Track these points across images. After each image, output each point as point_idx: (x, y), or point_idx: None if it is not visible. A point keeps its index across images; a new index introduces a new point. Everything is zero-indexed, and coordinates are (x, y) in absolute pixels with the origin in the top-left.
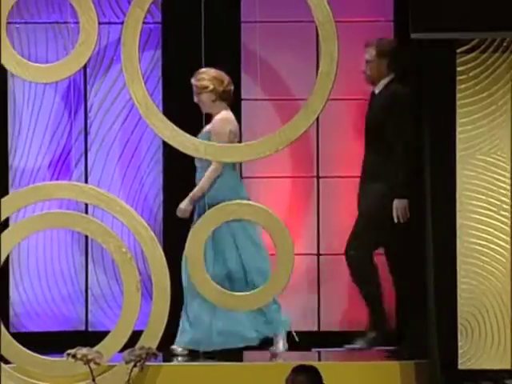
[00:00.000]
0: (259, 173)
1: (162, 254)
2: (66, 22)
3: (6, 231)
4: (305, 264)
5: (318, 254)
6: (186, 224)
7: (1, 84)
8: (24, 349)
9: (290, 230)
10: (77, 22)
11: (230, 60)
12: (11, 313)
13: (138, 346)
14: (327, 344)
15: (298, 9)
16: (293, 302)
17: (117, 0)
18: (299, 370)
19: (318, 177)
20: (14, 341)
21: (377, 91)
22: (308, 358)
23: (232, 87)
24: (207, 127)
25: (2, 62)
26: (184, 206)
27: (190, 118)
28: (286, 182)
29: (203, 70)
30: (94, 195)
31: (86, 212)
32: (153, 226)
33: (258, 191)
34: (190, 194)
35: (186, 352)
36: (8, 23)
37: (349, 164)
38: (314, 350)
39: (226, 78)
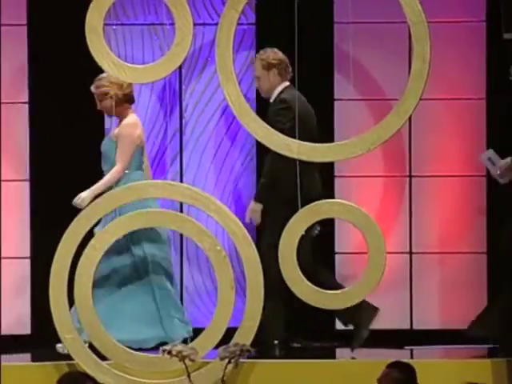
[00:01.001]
0: (351, 172)
1: (256, 252)
2: (161, 24)
3: (104, 229)
4: (397, 262)
5: (411, 253)
6: None
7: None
8: (120, 346)
9: (381, 228)
10: (172, 24)
11: (322, 60)
12: None
13: (232, 342)
14: (420, 342)
15: (391, 9)
16: (385, 300)
17: (211, 2)
18: (394, 366)
19: (410, 176)
20: (111, 338)
21: (271, 100)
22: (400, 356)
23: (132, 89)
24: (115, 131)
25: (99, 63)
26: (85, 195)
27: None
28: (378, 182)
29: (101, 76)
30: (189, 194)
31: (181, 211)
32: (247, 225)
33: (350, 190)
34: (93, 187)
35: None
36: (105, 25)
37: (441, 163)
38: (406, 347)
39: (125, 82)
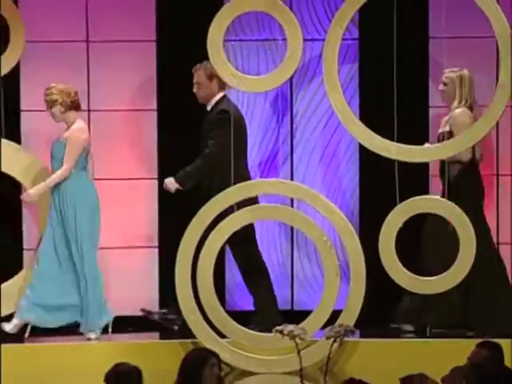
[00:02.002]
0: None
1: (359, 243)
2: (274, 39)
3: (223, 222)
4: None
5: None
6: (379, 216)
7: None
8: (238, 325)
9: None
10: (284, 39)
11: (418, 73)
12: (226, 294)
13: (337, 323)
14: None
15: (483, 24)
16: None
17: (319, 19)
18: (483, 345)
19: (497, 175)
20: (229, 318)
21: (209, 108)
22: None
23: (78, 97)
24: (64, 135)
25: (220, 74)
26: (32, 191)
27: (386, 123)
28: None
29: (51, 85)
30: (299, 191)
31: (292, 206)
32: (350, 219)
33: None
34: (40, 185)
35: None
36: (225, 40)
37: None
38: None
39: (73, 90)
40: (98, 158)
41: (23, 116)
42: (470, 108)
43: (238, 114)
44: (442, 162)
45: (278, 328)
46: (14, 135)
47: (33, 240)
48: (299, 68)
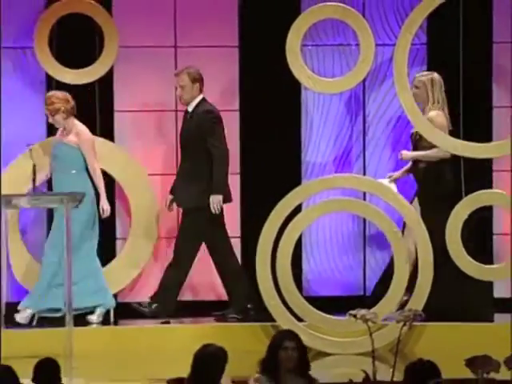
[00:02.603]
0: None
1: (426, 233)
2: (348, 44)
3: (300, 214)
4: None
5: None
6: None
7: (296, 95)
8: (314, 310)
9: None
10: (357, 44)
11: (482, 75)
12: (304, 280)
13: (406, 308)
14: None
15: None
16: None
17: (389, 25)
18: None
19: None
20: (306, 303)
21: (190, 109)
22: None
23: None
24: (73, 138)
25: (297, 77)
26: (106, 206)
27: (452, 121)
28: None
29: (49, 94)
30: (371, 185)
31: (364, 199)
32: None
33: (505, 182)
34: (104, 197)
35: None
36: (302, 45)
37: None
38: None
39: (69, 96)
40: None
41: (117, 116)
42: (442, 109)
43: (219, 113)
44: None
45: (351, 312)
46: (109, 135)
47: (124, 230)
48: (371, 71)
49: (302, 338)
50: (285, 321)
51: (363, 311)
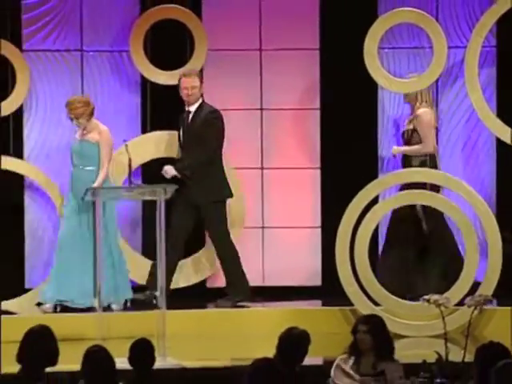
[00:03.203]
0: None
1: (496, 224)
2: (422, 47)
3: (376, 205)
4: None
5: None
6: None
7: (373, 94)
8: (390, 295)
9: None
10: (431, 47)
11: None
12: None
13: (477, 293)
14: None
15: None
16: None
17: (461, 29)
18: None
19: None
20: (383, 289)
21: (193, 109)
22: None
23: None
24: (91, 136)
25: (374, 77)
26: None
27: None
28: None
29: (71, 100)
30: (445, 179)
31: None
32: (488, 203)
33: None
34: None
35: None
36: (379, 48)
37: None
38: None
39: (90, 99)
40: (268, 150)
41: None
42: (431, 107)
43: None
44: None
45: (425, 297)
46: None
47: None
48: (443, 72)
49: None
50: (362, 305)
51: (436, 296)
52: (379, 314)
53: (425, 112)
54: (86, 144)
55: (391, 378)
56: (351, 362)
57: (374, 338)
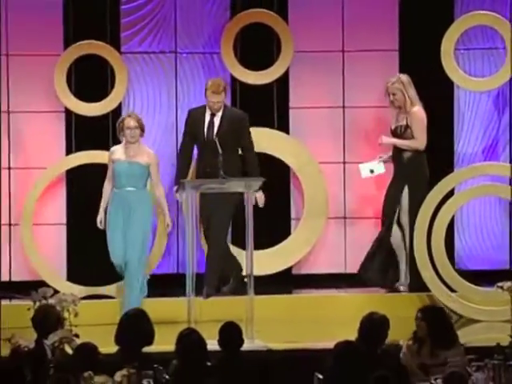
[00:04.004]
0: None
1: None
2: (496, 48)
3: (453, 197)
4: None
5: None
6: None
7: (449, 93)
8: (465, 281)
9: None
10: (504, 48)
11: None
12: (456, 255)
13: None
14: None
15: None
16: None
17: None
18: None
19: None
20: (458, 276)
21: (220, 113)
22: None
23: None
24: (142, 157)
25: (450, 77)
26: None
27: None
28: None
29: (133, 115)
30: None
31: (510, 184)
32: None
33: None
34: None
35: None
36: (455, 49)
37: None
38: None
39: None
40: (350, 145)
41: (291, 112)
42: (420, 104)
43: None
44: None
45: (499, 284)
46: (284, 128)
47: (298, 210)
48: None
49: (454, 306)
50: (438, 291)
51: (509, 283)
52: (454, 300)
53: (419, 110)
54: (134, 165)
55: (451, 363)
56: (415, 347)
57: (428, 326)
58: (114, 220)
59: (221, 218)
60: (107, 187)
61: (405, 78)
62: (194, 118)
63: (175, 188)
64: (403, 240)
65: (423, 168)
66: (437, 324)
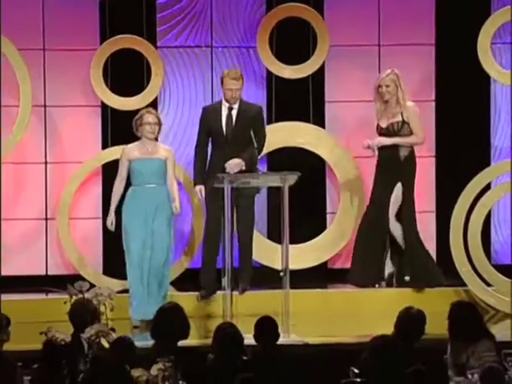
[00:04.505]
0: None
1: None
2: None
3: (489, 191)
4: None
5: None
6: None
7: (486, 87)
8: (501, 276)
9: None
10: None
11: None
12: (492, 250)
13: None
14: None
15: None
16: None
17: None
18: None
19: None
20: (494, 270)
21: (236, 105)
22: None
23: None
24: (163, 153)
25: (487, 71)
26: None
27: None
28: None
29: (152, 111)
30: None
31: None
32: None
33: None
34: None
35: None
36: (492, 43)
37: None
38: None
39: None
40: None
41: (327, 106)
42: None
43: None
44: None
45: None
46: (320, 122)
47: (334, 204)
48: None
49: (490, 300)
50: (475, 286)
51: None
52: (491, 294)
53: (414, 104)
54: (154, 161)
55: (478, 356)
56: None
57: (451, 323)
58: (134, 218)
59: (246, 212)
60: (119, 187)
61: (398, 71)
62: (211, 113)
63: (192, 182)
64: (403, 233)
65: (415, 164)
66: (462, 320)
